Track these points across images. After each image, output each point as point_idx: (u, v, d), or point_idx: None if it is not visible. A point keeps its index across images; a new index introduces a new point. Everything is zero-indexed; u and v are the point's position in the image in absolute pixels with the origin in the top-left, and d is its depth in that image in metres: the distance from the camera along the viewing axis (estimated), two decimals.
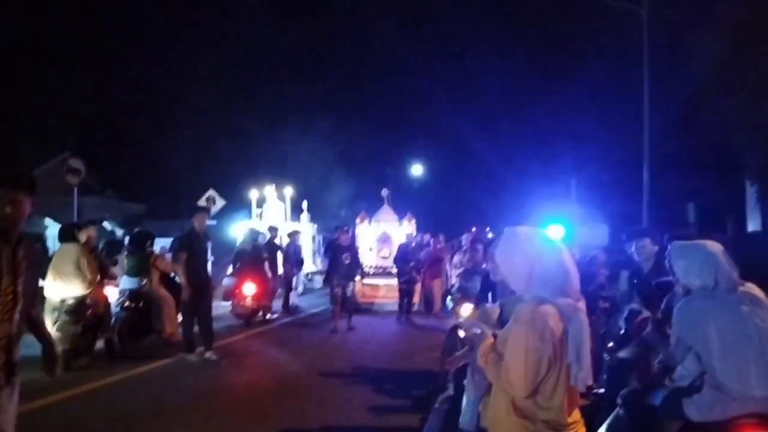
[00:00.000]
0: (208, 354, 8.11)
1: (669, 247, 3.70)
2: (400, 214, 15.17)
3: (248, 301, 11.37)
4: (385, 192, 15.27)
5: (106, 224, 25.44)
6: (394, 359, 8.62)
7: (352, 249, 11.60)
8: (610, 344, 4.88)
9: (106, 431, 5.52)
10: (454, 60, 45.30)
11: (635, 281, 5.63)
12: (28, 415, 5.64)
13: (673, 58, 18.06)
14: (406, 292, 12.77)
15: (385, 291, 14.05)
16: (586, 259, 7.03)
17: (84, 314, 7.50)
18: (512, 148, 34.56)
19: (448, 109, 37.18)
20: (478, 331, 2.58)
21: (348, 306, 11.22)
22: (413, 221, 14.92)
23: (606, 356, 4.88)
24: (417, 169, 36.98)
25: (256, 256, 11.80)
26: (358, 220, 15.13)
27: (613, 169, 24.48)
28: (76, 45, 28.00)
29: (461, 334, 2.87)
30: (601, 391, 4.50)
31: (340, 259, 10.99)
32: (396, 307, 12.94)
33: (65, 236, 7.90)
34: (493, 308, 3.31)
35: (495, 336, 2.55)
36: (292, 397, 6.59)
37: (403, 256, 12.87)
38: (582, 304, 2.38)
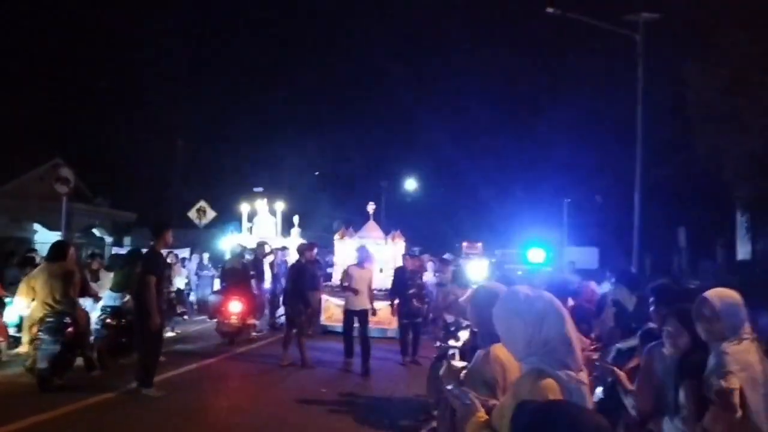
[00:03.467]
0: (147, 389, 7.19)
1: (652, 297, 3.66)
2: (390, 230, 14.17)
3: (233, 320, 11.22)
4: (371, 207, 14.06)
5: (96, 231, 25.27)
6: (380, 386, 8.51)
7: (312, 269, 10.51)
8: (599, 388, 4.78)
9: None
10: (447, 80, 45.62)
11: (620, 320, 5.58)
12: None
13: (667, 85, 18.20)
14: (409, 329, 10.32)
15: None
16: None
17: (64, 332, 7.36)
18: (504, 168, 34.69)
19: (442, 128, 37.34)
20: (468, 402, 2.35)
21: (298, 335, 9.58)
22: (401, 239, 13.75)
23: (595, 399, 4.79)
24: (410, 184, 37.03)
25: (242, 272, 11.68)
26: (337, 236, 14.08)
27: (604, 192, 24.57)
28: (68, 49, 27.92)
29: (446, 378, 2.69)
30: None
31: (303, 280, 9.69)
32: (384, 334, 11.65)
33: (55, 254, 7.80)
34: (458, 365, 3.12)
35: (486, 406, 2.38)
36: (271, 427, 6.47)
37: (401, 284, 10.39)
38: (583, 375, 2.20)
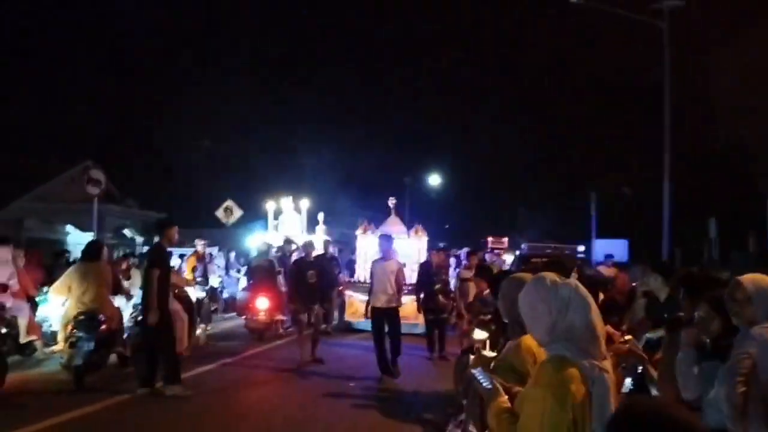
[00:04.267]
0: (170, 388, 7.18)
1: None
2: (411, 224, 13.97)
3: (261, 316, 11.38)
4: (392, 201, 13.92)
5: (127, 232, 25.73)
6: (407, 381, 8.53)
7: (320, 265, 9.90)
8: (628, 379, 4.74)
9: None
10: (469, 75, 45.37)
11: (652, 310, 5.52)
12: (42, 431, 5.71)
13: (693, 73, 17.90)
14: (435, 325, 10.27)
15: None
16: None
17: (98, 330, 7.55)
18: (527, 161, 34.43)
19: (464, 123, 37.15)
20: (489, 386, 2.38)
21: (314, 334, 9.44)
22: (423, 233, 13.54)
23: (624, 389, 4.74)
24: (434, 180, 36.94)
25: (269, 270, 11.80)
26: (359, 231, 13.98)
27: (632, 183, 24.25)
28: (98, 53, 28.43)
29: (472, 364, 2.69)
30: None
31: (305, 278, 9.27)
32: (409, 330, 10.98)
33: (90, 254, 8.02)
34: (488, 355, 3.15)
35: (510, 393, 2.39)
36: (298, 419, 6.55)
37: (426, 279, 10.34)
38: (607, 364, 2.21)
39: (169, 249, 8.26)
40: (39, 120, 24.54)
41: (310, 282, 9.16)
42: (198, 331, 10.97)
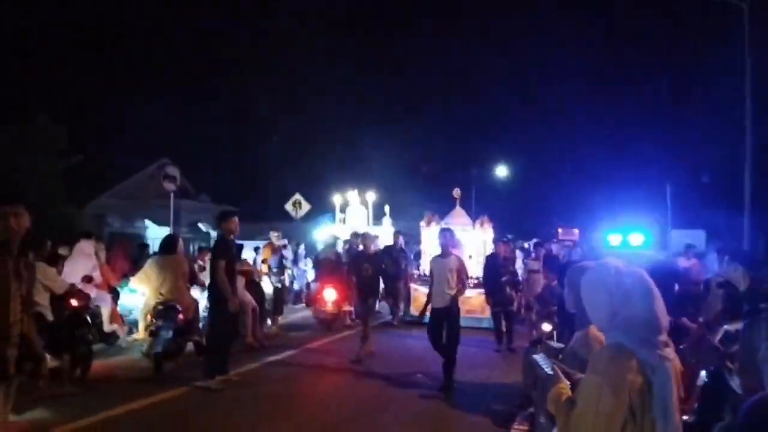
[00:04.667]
0: (221, 378, 7.32)
1: None
2: (477, 216, 13.69)
3: (329, 307, 11.60)
4: (456, 192, 13.66)
5: (201, 226, 26.72)
6: (475, 373, 8.51)
7: (379, 258, 9.66)
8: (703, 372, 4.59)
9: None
10: (536, 65, 44.35)
11: (730, 302, 5.31)
12: (118, 417, 6.05)
13: None
14: (503, 318, 10.19)
15: None
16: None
17: (175, 319, 7.91)
18: (600, 151, 33.39)
19: (533, 113, 36.39)
20: (550, 372, 2.40)
21: (363, 329, 9.27)
22: (489, 225, 13.21)
23: (699, 382, 4.60)
24: (501, 171, 36.41)
25: (336, 262, 12.00)
26: (423, 223, 13.69)
27: (711, 172, 23.14)
28: (168, 53, 29.49)
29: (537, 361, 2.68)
30: (690, 419, 4.26)
31: (361, 271, 9.16)
32: (476, 324, 11.20)
33: (167, 247, 8.41)
34: (556, 345, 3.13)
35: (572, 379, 2.38)
36: (364, 409, 6.65)
37: (494, 271, 10.25)
38: (669, 352, 2.17)
39: (242, 241, 8.54)
40: (117, 120, 25.75)
41: (366, 275, 9.06)
42: (270, 322, 11.31)
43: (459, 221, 13.22)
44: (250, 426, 5.95)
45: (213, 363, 7.33)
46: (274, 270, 11.62)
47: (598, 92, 36.41)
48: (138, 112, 24.42)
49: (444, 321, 7.69)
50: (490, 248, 12.10)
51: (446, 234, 8.12)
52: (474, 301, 11.88)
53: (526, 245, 14.72)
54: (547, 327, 7.58)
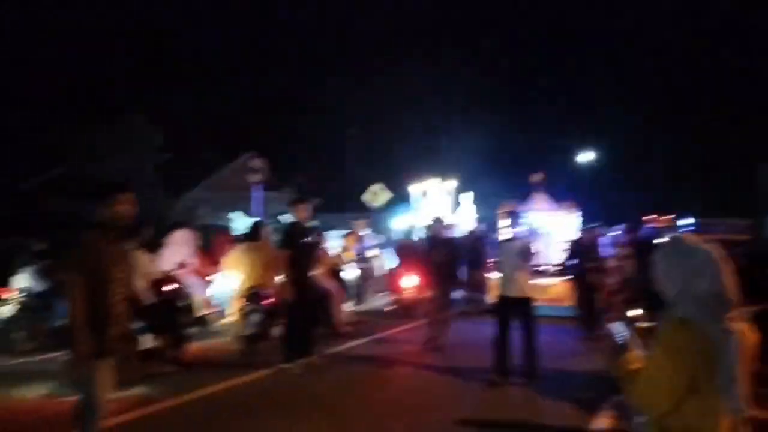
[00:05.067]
0: (304, 361, 7.53)
1: None
2: (561, 201, 13.15)
3: (409, 293, 11.69)
4: (538, 176, 13.10)
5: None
6: (561, 360, 8.34)
7: (450, 244, 9.33)
8: None
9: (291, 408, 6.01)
10: (623, 46, 42.52)
11: None
12: (212, 395, 6.38)
13: None
14: (588, 304, 9.91)
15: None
16: None
17: (264, 303, 8.25)
18: (699, 130, 31.71)
19: (622, 93, 34.97)
20: (622, 340, 2.46)
21: (431, 315, 9.10)
22: (574, 210, 12.74)
23: None
24: (586, 156, 35.22)
25: (416, 248, 12.07)
26: (501, 210, 13.57)
27: None
28: (253, 52, 30.41)
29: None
30: None
31: (432, 257, 8.95)
32: (559, 313, 10.84)
33: (253, 234, 8.79)
34: (644, 325, 3.12)
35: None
36: (448, 395, 6.67)
37: (579, 257, 10.10)
38: (738, 325, 2.21)
39: (324, 231, 8.74)
40: (207, 116, 26.84)
41: (438, 261, 8.83)
42: (353, 308, 11.55)
43: (542, 207, 12.91)
44: (331, 407, 6.11)
45: (291, 347, 7.51)
46: (357, 258, 11.83)
47: (691, 77, 34.52)
48: (225, 108, 25.37)
49: (514, 310, 7.15)
50: (575, 234, 11.87)
51: (513, 216, 7.60)
52: (556, 289, 11.66)
53: (612, 232, 14.17)
54: (634, 312, 7.34)
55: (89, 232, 3.89)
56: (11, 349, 8.35)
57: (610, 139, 35.48)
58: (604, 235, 12.54)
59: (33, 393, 6.47)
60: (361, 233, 12.43)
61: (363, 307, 12.04)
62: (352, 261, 11.69)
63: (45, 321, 8.87)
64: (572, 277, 10.27)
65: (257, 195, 14.96)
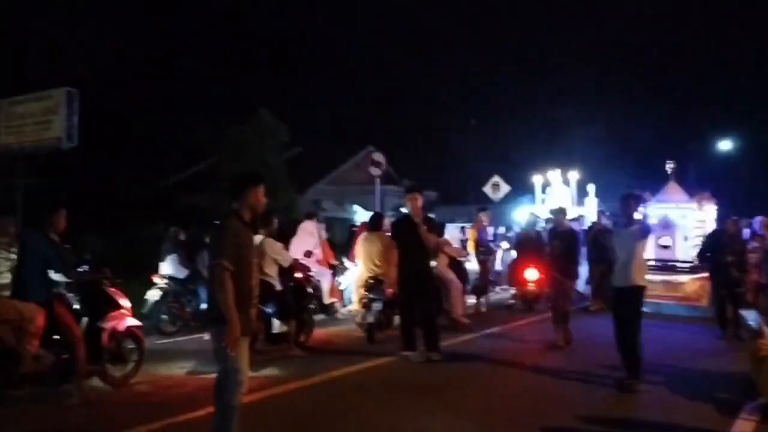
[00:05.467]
0: (430, 354, 7.44)
1: None
2: (696, 192, 12.16)
3: (530, 287, 11.47)
4: (670, 166, 12.13)
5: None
6: (697, 360, 7.84)
7: (569, 236, 8.67)
8: None
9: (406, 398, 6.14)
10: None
11: None
12: (337, 378, 6.63)
13: None
14: (727, 301, 9.21)
15: (659, 289, 10.75)
16: None
17: (384, 293, 8.45)
18: None
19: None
20: (754, 327, 2.33)
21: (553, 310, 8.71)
22: (710, 202, 11.84)
23: None
24: (725, 145, 32.56)
25: (537, 241, 11.79)
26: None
27: None
28: (373, 41, 30.97)
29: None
30: None
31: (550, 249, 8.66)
32: (692, 313, 10.35)
33: (374, 225, 9.06)
34: None
35: None
36: (574, 394, 6.46)
37: (718, 249, 9.37)
38: None
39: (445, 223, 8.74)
40: (330, 113, 27.76)
41: (556, 253, 8.50)
42: (474, 301, 11.52)
43: (674, 198, 12.08)
44: (448, 398, 6.14)
45: (408, 337, 7.53)
46: (479, 250, 11.78)
47: None
48: (347, 104, 26.09)
49: (623, 302, 6.47)
50: (711, 228, 11.12)
51: (629, 201, 6.64)
52: (689, 287, 10.96)
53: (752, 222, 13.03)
54: None
55: (229, 221, 4.16)
56: (158, 329, 9.13)
57: (753, 126, 32.58)
58: (745, 227, 11.61)
59: (176, 370, 7.04)
60: (483, 225, 12.33)
61: (484, 299, 11.95)
62: (474, 253, 11.65)
63: (187, 305, 9.65)
64: (709, 273, 9.60)
65: (378, 188, 15.29)
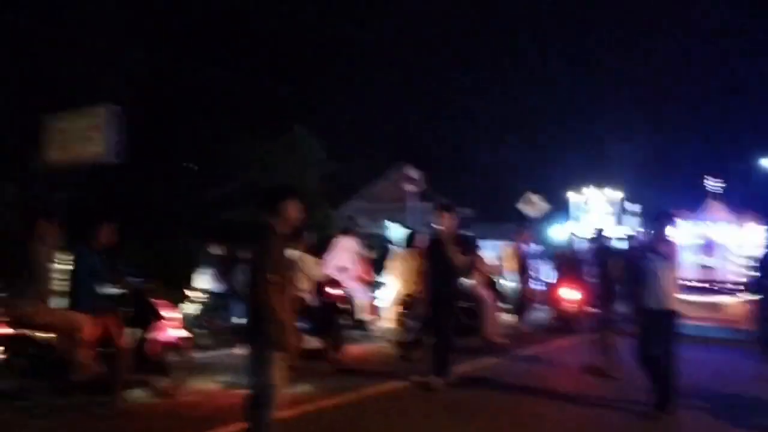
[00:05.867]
0: (433, 380, 7.02)
1: None
2: (741, 211, 11.77)
3: (569, 307, 11.25)
4: (712, 182, 11.81)
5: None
6: (738, 385, 7.57)
7: (611, 258, 8.41)
8: None
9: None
10: None
11: None
12: (369, 396, 6.57)
13: None
14: None
15: (699, 310, 10.49)
16: None
17: (419, 311, 8.37)
18: None
19: None
20: None
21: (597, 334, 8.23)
22: (757, 221, 11.34)
23: None
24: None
25: (575, 261, 11.58)
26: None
27: None
28: (411, 58, 31.01)
29: None
30: None
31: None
32: (735, 336, 9.99)
33: (408, 243, 9.05)
34: None
35: None
36: (612, 422, 6.27)
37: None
38: None
39: (481, 241, 8.64)
40: (365, 129, 27.89)
41: (598, 275, 8.30)
42: (511, 320, 11.35)
43: (716, 216, 11.73)
44: (479, 422, 6.04)
45: (438, 358, 7.16)
46: (517, 269, 11.61)
47: None
48: (382, 120, 26.20)
49: (655, 325, 6.15)
50: (758, 250, 10.71)
51: (662, 220, 6.43)
52: (733, 309, 10.62)
53: None
54: None
55: (267, 234, 4.17)
56: (194, 344, 9.19)
57: None
58: None
59: (214, 384, 7.07)
60: (521, 244, 12.19)
61: (522, 319, 11.78)
62: (511, 272, 11.49)
63: (223, 319, 9.71)
64: (759, 296, 9.22)
65: (413, 205, 15.26)
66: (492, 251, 11.98)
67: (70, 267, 5.81)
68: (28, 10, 14.62)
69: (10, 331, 5.36)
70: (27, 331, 5.40)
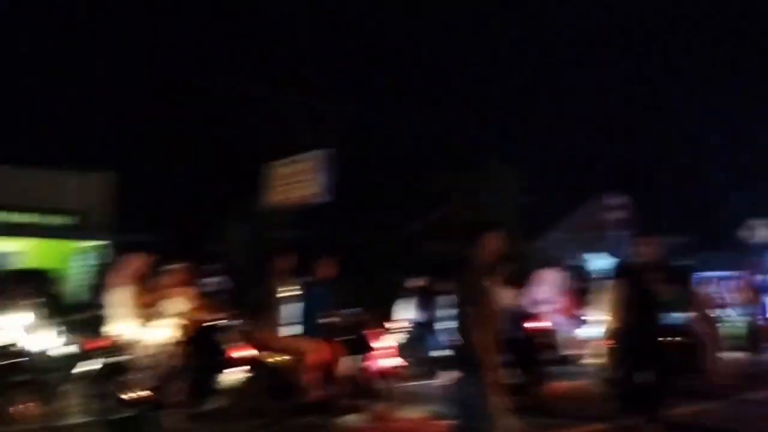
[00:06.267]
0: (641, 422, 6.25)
1: None
2: None
3: None
4: None
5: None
6: None
7: None
8: None
9: None
10: None
11: None
12: None
13: None
14: None
15: None
16: None
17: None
18: None
19: None
20: None
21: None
22: None
23: None
24: None
25: None
26: None
27: None
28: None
29: None
30: None
31: None
32: None
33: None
34: None
35: None
36: None
37: None
38: None
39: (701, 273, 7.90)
40: (562, 160, 27.14)
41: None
42: (740, 358, 10.24)
43: None
44: None
45: (633, 399, 6.46)
46: (750, 301, 10.50)
47: None
48: (578, 152, 25.34)
49: None
50: None
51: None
52: None
53: None
54: None
55: (470, 268, 4.26)
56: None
57: None
58: None
59: (415, 413, 7.26)
60: (753, 274, 11.00)
61: (755, 356, 10.53)
62: (743, 305, 10.39)
63: (422, 350, 10.00)
64: None
65: (616, 234, 14.50)
66: (715, 282, 10.93)
67: (299, 299, 6.53)
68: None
69: (254, 353, 6.15)
70: (265, 354, 6.16)
